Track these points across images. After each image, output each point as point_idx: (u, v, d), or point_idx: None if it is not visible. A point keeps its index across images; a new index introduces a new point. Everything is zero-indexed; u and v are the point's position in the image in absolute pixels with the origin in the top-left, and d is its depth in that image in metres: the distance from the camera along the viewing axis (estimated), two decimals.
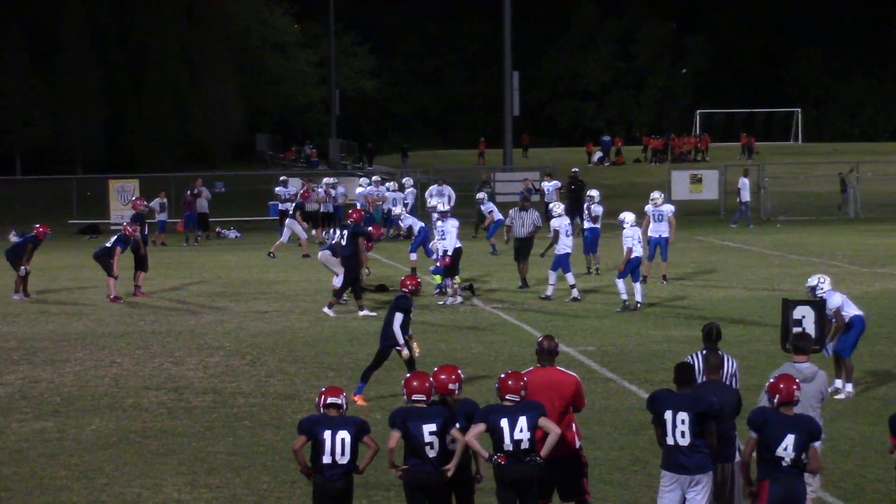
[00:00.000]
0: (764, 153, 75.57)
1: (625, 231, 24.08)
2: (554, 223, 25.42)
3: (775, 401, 10.25)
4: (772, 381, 10.56)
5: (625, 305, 23.85)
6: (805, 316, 12.27)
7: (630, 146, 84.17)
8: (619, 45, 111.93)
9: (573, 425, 10.97)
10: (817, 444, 11.03)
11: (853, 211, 47.59)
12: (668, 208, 27.71)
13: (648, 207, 27.58)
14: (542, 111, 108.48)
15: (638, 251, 24.00)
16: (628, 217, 24.33)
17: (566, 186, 41.24)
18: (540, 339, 11.20)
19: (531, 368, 11.11)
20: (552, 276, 25.39)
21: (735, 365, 11.31)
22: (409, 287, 16.61)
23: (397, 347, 16.29)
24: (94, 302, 26.25)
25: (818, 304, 12.41)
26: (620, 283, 23.93)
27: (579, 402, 11.05)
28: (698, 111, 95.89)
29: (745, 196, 43.67)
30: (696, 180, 48.29)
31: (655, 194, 28.03)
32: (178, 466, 13.69)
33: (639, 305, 23.90)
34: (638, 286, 24.10)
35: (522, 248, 27.32)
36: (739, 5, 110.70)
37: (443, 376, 10.63)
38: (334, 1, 78.29)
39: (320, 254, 25.93)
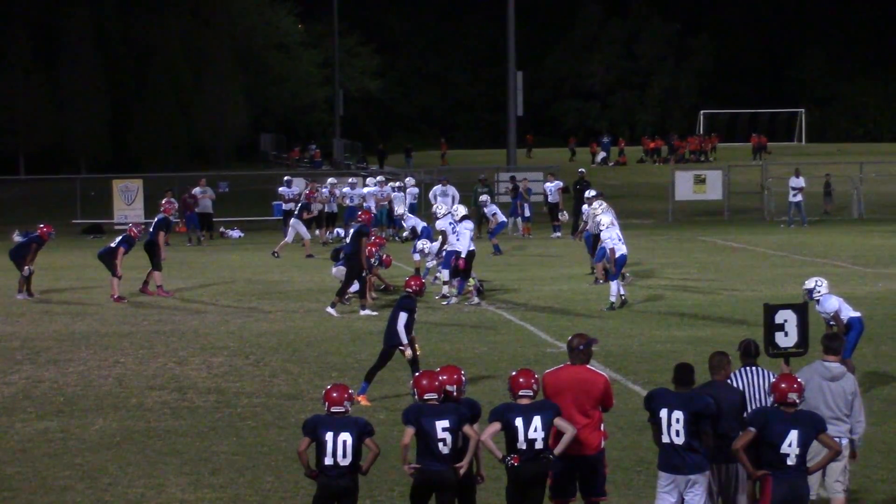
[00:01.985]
0: (767, 153, 75.53)
1: (602, 233, 24.40)
2: (439, 224, 25.77)
3: (773, 400, 10.27)
4: (773, 380, 10.57)
5: (612, 306, 23.92)
6: (787, 320, 12.23)
7: (634, 146, 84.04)
8: (623, 45, 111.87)
9: (601, 425, 10.95)
10: (845, 440, 11.07)
11: (857, 212, 47.54)
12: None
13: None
14: (545, 111, 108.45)
15: (622, 249, 24.14)
16: (604, 219, 24.65)
17: (572, 186, 41.26)
18: (571, 337, 11.17)
19: (561, 366, 11.10)
20: (446, 275, 25.48)
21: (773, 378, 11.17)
22: (414, 287, 16.61)
23: (400, 347, 16.29)
24: (97, 302, 26.26)
25: (800, 308, 12.38)
26: (614, 285, 24.03)
27: (608, 402, 11.00)
28: (702, 111, 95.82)
29: (796, 196, 43.62)
30: (700, 181, 48.27)
31: (591, 192, 28.89)
32: (181, 466, 13.70)
33: (614, 305, 24.05)
34: (616, 283, 24.18)
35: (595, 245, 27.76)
36: (744, 6, 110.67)
37: (444, 377, 10.66)
38: (338, 1, 78.33)
39: (334, 269, 25.78)
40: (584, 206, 29.69)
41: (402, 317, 16.25)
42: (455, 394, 10.63)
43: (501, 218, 34.91)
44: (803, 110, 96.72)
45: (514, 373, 10.69)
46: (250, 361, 19.49)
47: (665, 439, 10.39)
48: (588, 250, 29.47)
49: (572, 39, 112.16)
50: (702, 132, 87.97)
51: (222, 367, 19.11)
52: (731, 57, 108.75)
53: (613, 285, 24.02)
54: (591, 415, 10.83)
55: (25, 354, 20.33)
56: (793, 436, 10.01)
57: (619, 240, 24.29)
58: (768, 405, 10.66)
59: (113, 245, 26.51)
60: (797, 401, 10.23)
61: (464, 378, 10.76)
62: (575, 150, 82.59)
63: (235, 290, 27.85)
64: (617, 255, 24.02)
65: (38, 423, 15.76)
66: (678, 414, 10.33)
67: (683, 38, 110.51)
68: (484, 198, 36.84)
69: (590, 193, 30.07)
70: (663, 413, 10.38)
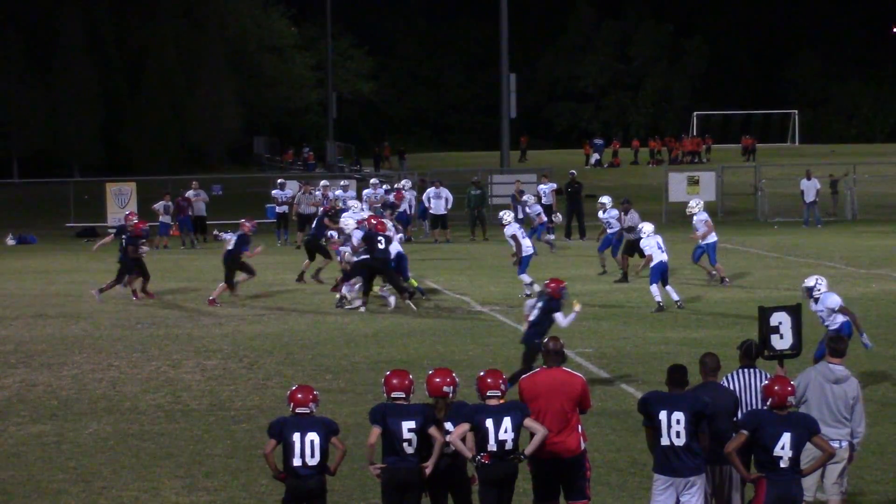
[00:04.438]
0: (761, 154, 75.59)
1: (643, 241, 25.00)
2: (508, 231, 26.21)
3: (768, 403, 10.27)
4: (766, 382, 10.57)
5: (659, 307, 24.16)
6: (782, 322, 12.25)
7: (627, 148, 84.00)
8: (617, 46, 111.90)
9: (579, 427, 10.95)
10: (844, 443, 11.09)
11: (850, 213, 47.59)
12: (615, 212, 29.64)
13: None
14: (539, 113, 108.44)
15: (660, 257, 24.42)
16: (647, 227, 25.28)
17: (564, 188, 41.26)
18: (546, 340, 11.19)
19: (537, 370, 11.11)
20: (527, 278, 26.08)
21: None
22: (553, 288, 16.96)
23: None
24: (91, 305, 26.23)
25: (794, 309, 12.41)
26: (654, 289, 24.32)
27: (585, 404, 11.01)
28: (696, 113, 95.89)
29: (809, 197, 44.00)
30: (694, 182, 48.30)
31: (605, 199, 30.21)
32: (175, 469, 13.69)
33: (680, 304, 24.42)
34: (669, 288, 24.50)
35: (629, 246, 28.34)
36: (737, 7, 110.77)
37: (437, 379, 10.65)
38: (331, 3, 78.31)
39: (341, 248, 25.68)
40: (601, 213, 29.83)
41: (559, 316, 16.84)
42: (450, 396, 10.63)
43: (545, 218, 35.71)
44: (796, 111, 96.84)
45: (481, 373, 10.71)
46: (244, 364, 19.48)
47: (664, 441, 10.36)
48: (613, 252, 29.59)
49: (565, 41, 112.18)
50: (695, 133, 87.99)
51: (216, 370, 19.10)
52: (724, 58, 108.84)
53: (654, 289, 24.30)
54: (569, 417, 10.83)
55: (19, 358, 20.31)
56: (785, 438, 10.02)
57: (659, 247, 24.68)
58: (763, 407, 10.68)
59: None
60: (793, 403, 10.25)
61: (455, 381, 10.73)
62: (525, 150, 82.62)
63: (229, 293, 27.80)
64: (655, 261, 24.39)
65: (32, 426, 15.74)
66: (679, 415, 10.32)
67: (676, 40, 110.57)
68: (527, 197, 37.08)
69: (605, 200, 30.23)
70: (663, 415, 10.36)
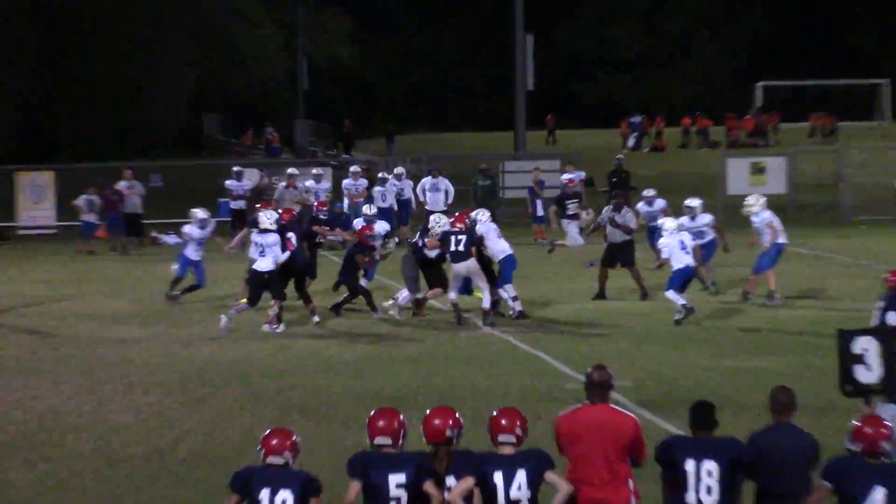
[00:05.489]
0: (842, 136, 75.44)
1: (661, 241, 25.71)
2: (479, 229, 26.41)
3: (859, 448, 10.19)
4: (857, 423, 10.46)
5: (686, 309, 24.82)
6: (867, 349, 12.14)
7: (675, 127, 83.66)
8: (655, 4, 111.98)
9: (630, 481, 10.81)
10: None
11: None
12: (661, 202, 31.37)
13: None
14: (561, 88, 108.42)
15: (685, 260, 24.86)
16: (668, 223, 25.82)
17: (607, 177, 40.82)
18: (590, 370, 11.10)
19: (579, 406, 11.02)
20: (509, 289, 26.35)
21: None
22: (893, 281, 17.78)
23: None
24: None
25: (884, 334, 12.30)
26: (672, 294, 24.97)
27: (639, 453, 10.89)
28: (759, 83, 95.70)
29: None
30: (758, 170, 48.21)
31: (649, 192, 31.04)
32: None
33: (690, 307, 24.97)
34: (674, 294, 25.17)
35: (615, 255, 28.58)
36: None
37: (437, 421, 10.51)
38: None
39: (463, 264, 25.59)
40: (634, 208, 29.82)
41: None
42: (453, 442, 10.50)
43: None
44: (886, 81, 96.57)
45: (495, 413, 10.64)
46: (191, 399, 19.35)
47: (689, 499, 10.36)
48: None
49: (593, 1, 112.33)
50: (760, 109, 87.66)
51: (153, 407, 18.94)
52: (788, 18, 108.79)
53: (671, 294, 24.95)
54: (616, 468, 10.73)
55: None
56: (878, 493, 9.96)
57: (683, 248, 25.10)
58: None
59: None
60: (888, 450, 10.14)
61: (459, 423, 10.58)
62: (553, 130, 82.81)
63: (173, 310, 27.77)
64: (678, 266, 24.91)
65: None
66: (710, 465, 10.34)
67: None
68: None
69: (695, 203, 29.59)
70: (690, 465, 10.38)
